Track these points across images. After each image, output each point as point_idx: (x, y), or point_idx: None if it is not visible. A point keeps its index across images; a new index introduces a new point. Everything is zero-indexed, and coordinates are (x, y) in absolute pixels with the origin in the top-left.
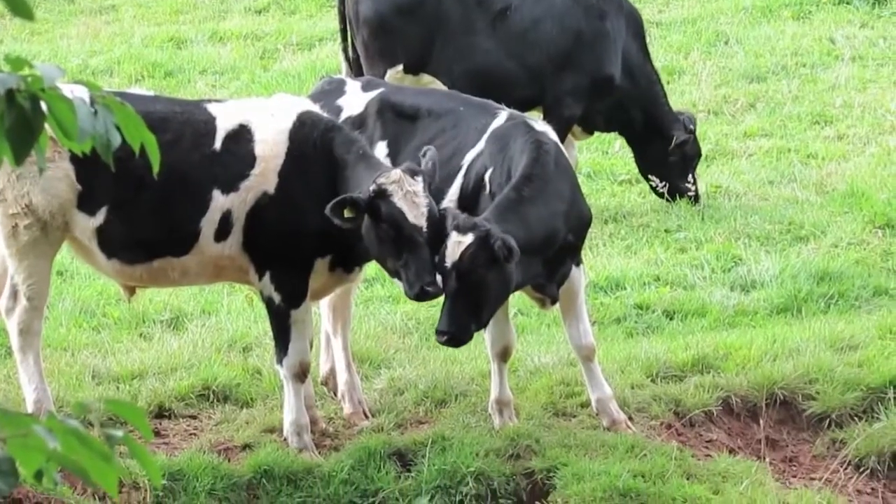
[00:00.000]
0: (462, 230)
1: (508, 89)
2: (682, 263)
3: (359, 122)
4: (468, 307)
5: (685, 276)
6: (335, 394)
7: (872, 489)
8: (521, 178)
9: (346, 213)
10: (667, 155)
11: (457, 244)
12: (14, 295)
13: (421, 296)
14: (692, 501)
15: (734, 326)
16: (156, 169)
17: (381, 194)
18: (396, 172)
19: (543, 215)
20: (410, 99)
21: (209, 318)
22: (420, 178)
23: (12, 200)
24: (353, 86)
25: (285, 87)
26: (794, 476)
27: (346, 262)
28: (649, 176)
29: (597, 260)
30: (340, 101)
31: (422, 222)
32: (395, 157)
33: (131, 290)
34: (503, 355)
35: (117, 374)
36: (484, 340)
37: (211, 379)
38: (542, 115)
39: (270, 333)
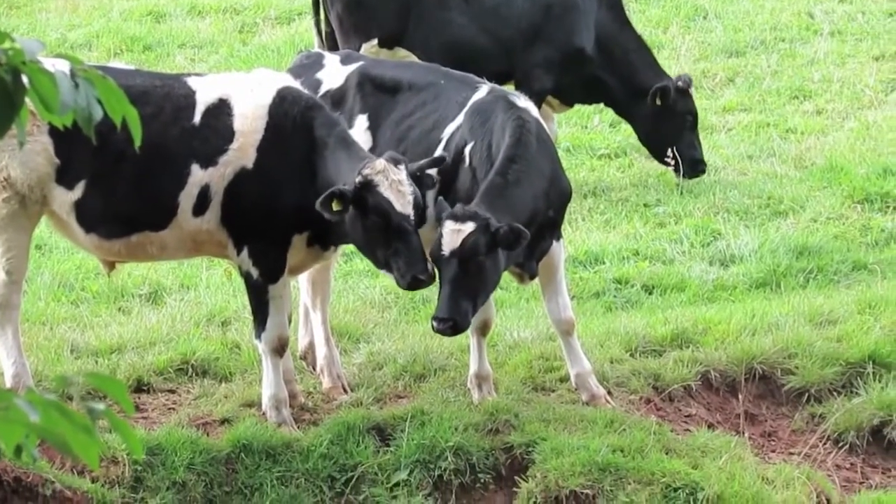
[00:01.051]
0: (461, 219)
1: (482, 63)
2: (661, 238)
3: (339, 95)
4: (467, 294)
5: (664, 250)
6: (314, 368)
7: (851, 464)
8: (504, 160)
9: (335, 206)
10: (653, 122)
11: (456, 232)
12: None
13: (413, 285)
14: (671, 476)
15: (713, 301)
16: (137, 143)
17: (367, 185)
18: (380, 162)
19: (528, 197)
20: (391, 72)
21: (188, 292)
22: (403, 167)
23: None
24: (331, 59)
25: (264, 61)
26: (773, 451)
27: (324, 239)
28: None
29: (576, 234)
30: (319, 75)
31: (409, 211)
32: (375, 130)
33: (111, 265)
34: (482, 330)
35: (96, 349)
36: None
37: (189, 353)
38: (513, 89)
39: (249, 308)
